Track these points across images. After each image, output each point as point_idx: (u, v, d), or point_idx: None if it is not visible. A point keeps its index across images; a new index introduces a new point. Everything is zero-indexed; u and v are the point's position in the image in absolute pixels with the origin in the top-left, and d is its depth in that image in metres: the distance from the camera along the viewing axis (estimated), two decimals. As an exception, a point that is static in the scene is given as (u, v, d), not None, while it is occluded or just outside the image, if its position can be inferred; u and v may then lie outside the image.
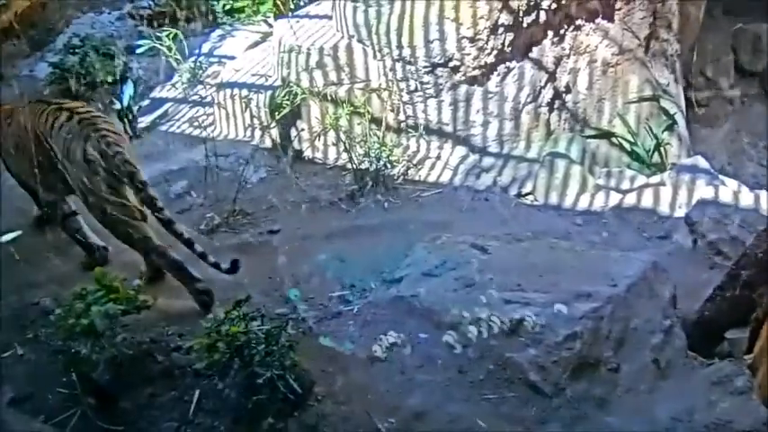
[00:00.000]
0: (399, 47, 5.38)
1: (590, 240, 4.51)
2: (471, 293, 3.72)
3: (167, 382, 3.25)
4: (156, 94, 6.78)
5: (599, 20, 5.70)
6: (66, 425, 3.10)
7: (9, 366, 3.42)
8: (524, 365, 3.32)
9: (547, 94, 5.64)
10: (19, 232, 4.62)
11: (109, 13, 7.69)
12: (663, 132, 5.68)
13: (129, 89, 6.30)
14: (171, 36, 6.82)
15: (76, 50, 6.60)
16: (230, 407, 3.09)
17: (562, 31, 5.60)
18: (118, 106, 6.19)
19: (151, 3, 7.60)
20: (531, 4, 5.34)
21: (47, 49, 7.13)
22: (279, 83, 5.90)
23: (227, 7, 7.25)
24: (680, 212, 4.87)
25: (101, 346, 3.19)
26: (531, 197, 5.30)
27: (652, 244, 4.64)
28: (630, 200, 5.06)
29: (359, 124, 5.57)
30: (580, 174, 5.30)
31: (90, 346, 3.17)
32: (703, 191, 4.92)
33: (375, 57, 5.58)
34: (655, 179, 5.20)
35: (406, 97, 5.54)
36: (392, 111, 5.60)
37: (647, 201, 5.02)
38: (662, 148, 5.61)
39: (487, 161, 5.48)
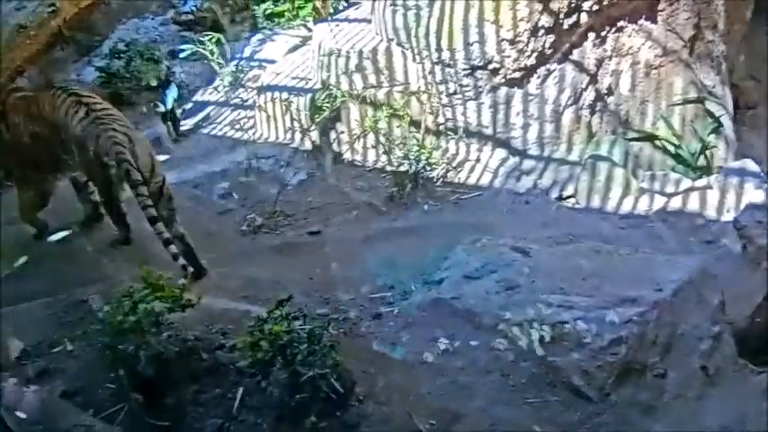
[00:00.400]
0: (438, 49, 5.38)
1: (634, 244, 4.41)
2: (513, 296, 3.70)
3: (212, 380, 3.30)
4: (198, 97, 6.89)
5: (642, 21, 5.61)
6: (114, 419, 3.17)
7: (60, 361, 3.51)
8: (568, 370, 3.29)
9: (588, 96, 5.57)
10: (68, 232, 4.77)
11: (153, 19, 7.84)
12: (709, 135, 5.56)
13: (172, 93, 6.41)
14: (213, 40, 6.93)
15: (122, 55, 6.76)
16: (273, 405, 3.11)
17: (604, 33, 5.53)
18: (162, 109, 6.30)
19: (194, 8, 7.73)
20: (572, 5, 5.29)
21: (93, 54, 7.30)
22: (319, 86, 5.96)
23: (268, 12, 7.33)
24: (728, 217, 4.76)
25: (147, 343, 3.26)
26: (572, 200, 5.23)
27: (699, 248, 4.54)
28: (676, 203, 4.97)
29: (398, 127, 5.58)
30: (623, 177, 5.22)
31: (137, 343, 3.24)
32: (752, 194, 4.80)
33: (414, 59, 5.59)
34: (701, 183, 5.10)
35: (445, 100, 5.53)
36: (431, 113, 5.60)
37: (693, 204, 4.92)
38: (708, 151, 5.50)
39: (528, 164, 5.44)
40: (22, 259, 4.49)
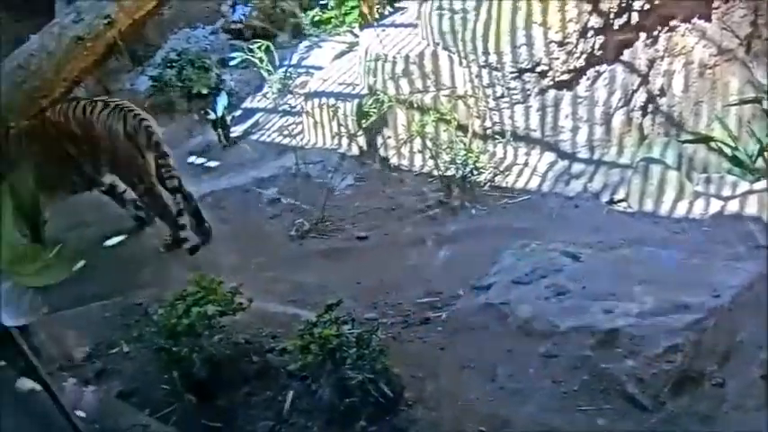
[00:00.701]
0: (485, 53, 5.35)
1: (689, 249, 4.30)
2: (563, 302, 3.66)
3: (262, 382, 3.35)
4: (247, 104, 7.00)
5: (695, 19, 5.46)
6: (169, 419, 3.25)
7: (116, 362, 3.62)
8: (621, 377, 3.22)
9: (640, 97, 5.45)
10: (123, 237, 4.92)
11: (203, 28, 8.02)
12: (767, 136, 5.37)
13: (222, 100, 6.52)
14: (263, 48, 7.04)
15: (174, 64, 6.92)
16: (323, 408, 3.14)
17: (655, 33, 5.40)
18: (212, 116, 6.43)
19: (242, 17, 7.88)
20: (623, 5, 5.19)
21: (147, 64, 7.51)
22: (365, 91, 5.99)
23: (316, 19, 7.41)
24: (788, 220, 4.59)
25: (200, 345, 3.33)
26: (624, 204, 5.11)
27: (759, 253, 4.38)
28: (733, 207, 4.80)
29: (445, 131, 5.56)
30: (677, 180, 5.08)
31: (190, 345, 3.31)
32: (814, 197, 4.62)
33: (461, 63, 5.57)
34: (759, 185, 4.91)
35: (492, 103, 5.49)
36: (478, 117, 5.57)
37: (751, 208, 4.75)
38: (766, 153, 5.30)
39: (577, 167, 5.35)
40: (80, 263, 4.63)
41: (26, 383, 2.73)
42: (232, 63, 7.22)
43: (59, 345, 3.59)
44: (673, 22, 5.41)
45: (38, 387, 2.57)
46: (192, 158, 6.24)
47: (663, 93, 5.50)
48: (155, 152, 4.57)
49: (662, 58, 5.46)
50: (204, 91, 6.77)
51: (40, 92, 5.41)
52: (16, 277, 4.25)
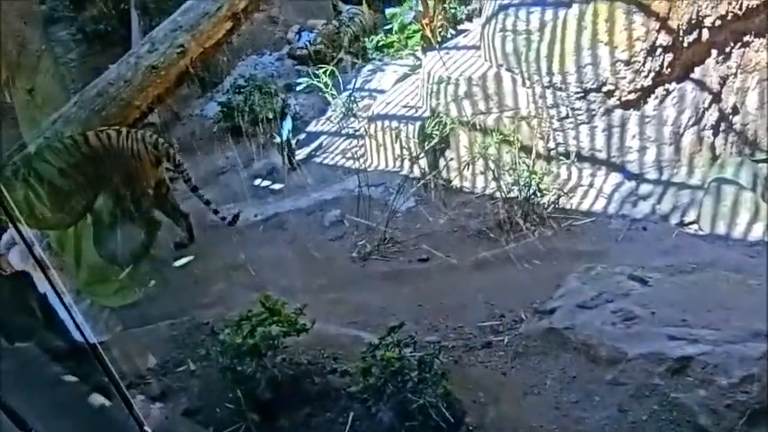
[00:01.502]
0: (550, 73, 5.30)
1: (765, 274, 4.10)
2: (631, 328, 3.54)
3: (323, 404, 3.36)
4: (311, 127, 7.14)
5: (771, 35, 5.28)
6: (232, 438, 3.31)
7: (183, 380, 3.71)
8: (693, 408, 3.09)
9: (711, 116, 5.28)
10: (191, 257, 5.08)
11: (270, 55, 8.27)
12: None
13: (287, 124, 6.66)
14: (327, 72, 7.18)
15: (242, 90, 7.14)
16: (383, 431, 3.13)
17: (728, 49, 5.24)
18: (278, 140, 6.58)
19: (307, 43, 8.07)
20: (693, 22, 5.05)
21: (215, 90, 7.78)
22: (428, 114, 6.01)
23: (380, 43, 7.52)
24: None
25: (263, 365, 3.38)
26: (695, 226, 4.94)
27: (841, 279, 4.14)
28: (814, 230, 4.57)
29: (508, 153, 5.52)
30: (752, 201, 4.88)
31: (254, 365, 3.37)
32: None
33: (524, 84, 5.53)
34: (842, 207, 4.67)
35: (556, 124, 5.42)
36: (542, 138, 5.50)
37: (834, 231, 4.52)
38: None
39: (645, 188, 5.20)
40: (151, 283, 4.83)
41: (98, 399, 2.83)
42: (298, 88, 7.39)
43: (129, 362, 3.71)
44: (746, 38, 5.24)
45: (108, 403, 2.66)
46: (258, 181, 6.40)
47: (736, 111, 5.32)
48: (173, 164, 5.32)
49: (735, 74, 5.29)
50: (270, 115, 6.93)
51: (117, 118, 5.69)
52: (94, 297, 4.48)
